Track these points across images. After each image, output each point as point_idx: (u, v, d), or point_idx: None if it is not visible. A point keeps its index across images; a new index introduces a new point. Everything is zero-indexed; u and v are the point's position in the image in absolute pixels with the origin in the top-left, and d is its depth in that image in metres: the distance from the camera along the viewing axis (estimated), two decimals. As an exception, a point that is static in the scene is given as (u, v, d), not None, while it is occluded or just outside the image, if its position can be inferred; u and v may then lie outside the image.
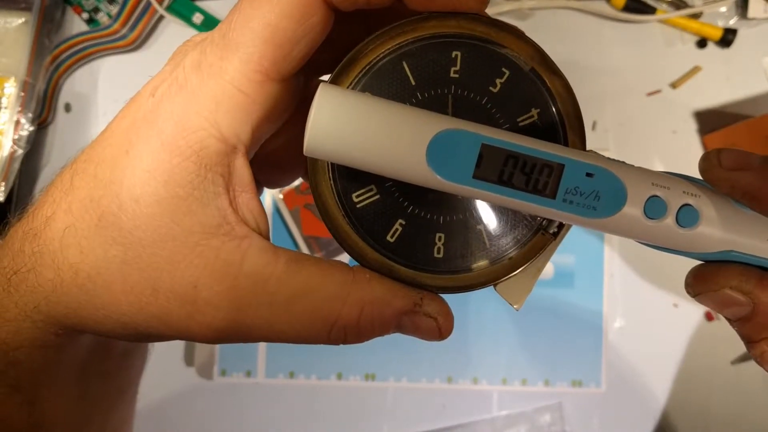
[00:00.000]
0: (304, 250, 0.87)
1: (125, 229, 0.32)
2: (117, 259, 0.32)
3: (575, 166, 0.31)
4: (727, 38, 0.86)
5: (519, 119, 0.35)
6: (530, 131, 0.35)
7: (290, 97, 0.35)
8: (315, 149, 0.31)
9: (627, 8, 0.87)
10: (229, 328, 0.33)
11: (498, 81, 0.35)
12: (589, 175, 0.31)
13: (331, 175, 0.35)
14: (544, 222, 0.35)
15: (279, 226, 0.87)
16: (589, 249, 0.87)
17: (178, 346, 0.88)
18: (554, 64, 0.35)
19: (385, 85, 0.35)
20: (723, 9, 0.87)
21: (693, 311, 0.87)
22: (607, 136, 0.88)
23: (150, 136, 0.32)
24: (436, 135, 0.31)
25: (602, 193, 0.31)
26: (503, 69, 0.35)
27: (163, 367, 0.87)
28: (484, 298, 0.85)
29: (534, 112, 0.35)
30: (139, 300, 0.33)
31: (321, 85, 0.31)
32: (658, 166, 0.83)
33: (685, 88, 0.88)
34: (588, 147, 0.35)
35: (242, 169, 0.34)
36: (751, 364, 0.34)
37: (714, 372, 0.87)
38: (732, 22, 0.88)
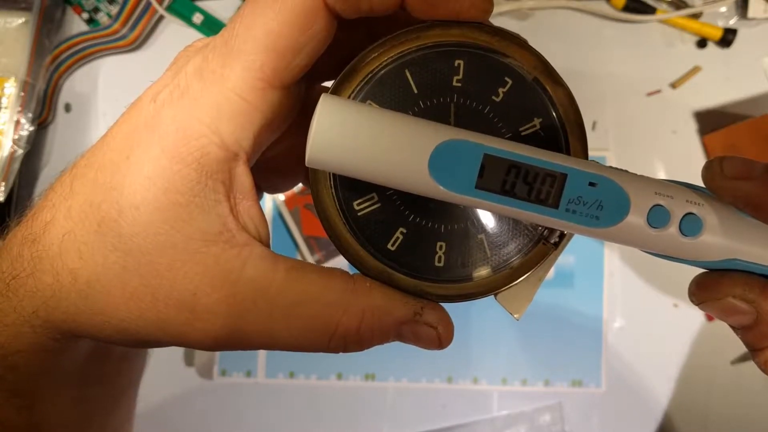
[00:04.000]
0: (304, 250, 0.87)
1: (125, 236, 0.32)
2: (116, 265, 0.32)
3: (578, 176, 0.31)
4: (727, 38, 0.86)
5: (521, 128, 0.35)
6: (532, 140, 0.35)
7: (292, 104, 0.35)
8: (317, 161, 0.31)
9: (627, 8, 0.86)
10: (228, 335, 0.33)
11: (500, 90, 0.35)
12: (592, 184, 0.31)
13: (332, 183, 0.35)
14: (545, 232, 0.35)
15: (279, 227, 0.87)
16: (589, 249, 0.87)
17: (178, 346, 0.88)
18: (557, 73, 0.35)
19: (388, 93, 0.35)
20: (723, 9, 0.87)
21: (693, 311, 0.87)
22: (607, 137, 0.88)
23: (151, 142, 0.32)
24: (439, 145, 0.31)
25: (605, 203, 0.31)
26: (506, 78, 0.35)
27: (164, 367, 0.87)
28: (485, 300, 0.85)
29: (536, 121, 0.35)
30: (138, 306, 0.33)
31: (322, 97, 0.31)
32: (659, 167, 0.83)
33: (685, 88, 0.88)
34: (588, 147, 0.35)
35: (243, 177, 0.34)
36: (752, 365, 0.34)
37: (714, 372, 0.87)
38: (732, 22, 0.88)
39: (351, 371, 0.87)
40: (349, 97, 0.35)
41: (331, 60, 0.36)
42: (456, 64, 0.35)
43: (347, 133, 0.31)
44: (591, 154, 0.34)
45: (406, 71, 0.35)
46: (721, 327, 0.86)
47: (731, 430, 0.87)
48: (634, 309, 0.87)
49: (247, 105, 0.32)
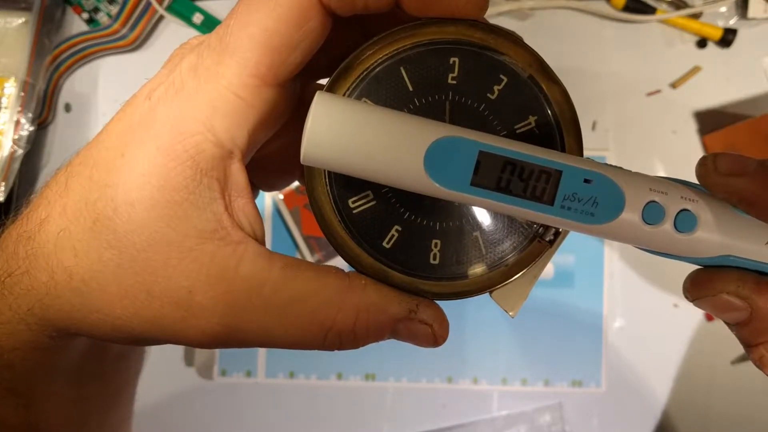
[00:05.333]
0: (304, 249, 0.87)
1: (120, 233, 0.32)
2: (111, 262, 0.32)
3: (573, 173, 0.31)
4: (727, 38, 0.86)
5: (516, 126, 0.35)
6: (528, 138, 0.35)
7: (287, 101, 0.35)
8: (312, 158, 0.31)
9: (627, 8, 0.86)
10: (223, 333, 0.33)
11: (495, 88, 0.35)
12: (587, 181, 0.31)
13: (327, 180, 0.35)
14: (540, 229, 0.35)
15: (279, 226, 0.87)
16: (589, 249, 0.87)
17: (177, 346, 0.88)
18: (552, 71, 0.35)
19: (383, 91, 0.35)
20: (723, 9, 0.87)
21: (693, 311, 0.87)
22: (607, 136, 0.88)
23: (146, 139, 0.32)
24: (434, 142, 0.31)
25: (600, 199, 0.31)
26: (501, 76, 0.35)
27: (163, 367, 0.88)
28: (484, 298, 0.85)
29: (531, 119, 0.35)
30: (134, 304, 0.33)
31: (317, 94, 0.31)
32: (658, 167, 0.83)
33: (685, 88, 0.88)
34: (588, 147, 0.35)
35: (238, 174, 0.34)
36: (752, 365, 0.34)
37: (714, 372, 0.87)
38: (732, 22, 0.88)
39: (351, 371, 0.87)
40: (344, 94, 0.35)
41: (327, 58, 0.36)
42: (451, 62, 0.35)
43: (342, 131, 0.31)
44: (591, 154, 0.34)
45: (402, 69, 0.35)
46: (721, 327, 0.86)
47: (731, 430, 0.87)
48: (634, 309, 0.87)
49: (242, 102, 0.32)
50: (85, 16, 0.88)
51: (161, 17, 0.89)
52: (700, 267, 0.34)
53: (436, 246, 0.36)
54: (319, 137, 0.30)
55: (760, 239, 0.32)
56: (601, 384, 0.86)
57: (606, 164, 0.32)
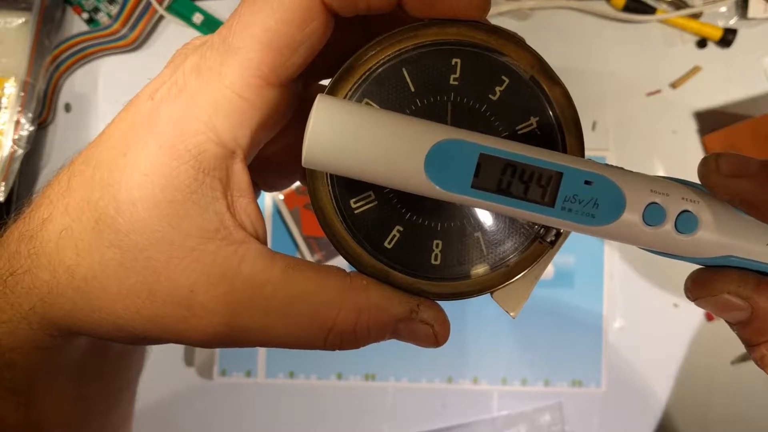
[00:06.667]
0: (304, 250, 0.87)
1: (122, 232, 0.32)
2: (113, 261, 0.32)
3: (574, 174, 0.31)
4: (727, 38, 0.86)
5: (518, 127, 0.35)
6: (529, 139, 0.35)
7: (289, 102, 0.35)
8: (313, 161, 0.31)
9: (627, 8, 0.86)
10: (225, 332, 0.33)
11: (497, 89, 0.35)
12: (587, 182, 0.31)
13: (329, 181, 0.35)
14: (542, 230, 0.35)
15: (279, 226, 0.87)
16: (589, 249, 0.87)
17: (178, 346, 0.88)
18: (554, 72, 0.35)
19: (385, 91, 0.35)
20: (723, 9, 0.87)
21: (693, 311, 0.87)
22: (607, 136, 0.88)
23: (148, 139, 0.32)
24: (434, 145, 0.31)
25: (601, 201, 0.31)
26: (503, 77, 0.35)
27: (163, 367, 0.88)
28: (484, 299, 0.85)
29: (533, 120, 0.35)
30: (135, 303, 0.33)
31: (318, 97, 0.31)
32: (658, 167, 0.83)
33: (685, 88, 0.88)
34: (588, 147, 0.35)
35: (240, 174, 0.34)
36: (752, 364, 0.35)
37: (714, 372, 0.87)
38: (732, 22, 0.88)
39: (351, 371, 0.87)
40: (346, 95, 0.35)
41: (329, 58, 0.36)
42: (453, 63, 0.35)
43: (343, 134, 0.31)
44: (591, 154, 0.34)
45: (403, 70, 0.35)
46: (721, 327, 0.86)
47: (731, 430, 0.87)
48: (634, 309, 0.87)
49: (244, 102, 0.32)
50: (85, 16, 0.88)
51: (161, 17, 0.89)
52: (701, 266, 0.34)
53: (437, 246, 0.36)
54: (319, 140, 0.31)
55: (761, 240, 0.32)
56: (601, 384, 0.87)
57: (607, 165, 0.32)
